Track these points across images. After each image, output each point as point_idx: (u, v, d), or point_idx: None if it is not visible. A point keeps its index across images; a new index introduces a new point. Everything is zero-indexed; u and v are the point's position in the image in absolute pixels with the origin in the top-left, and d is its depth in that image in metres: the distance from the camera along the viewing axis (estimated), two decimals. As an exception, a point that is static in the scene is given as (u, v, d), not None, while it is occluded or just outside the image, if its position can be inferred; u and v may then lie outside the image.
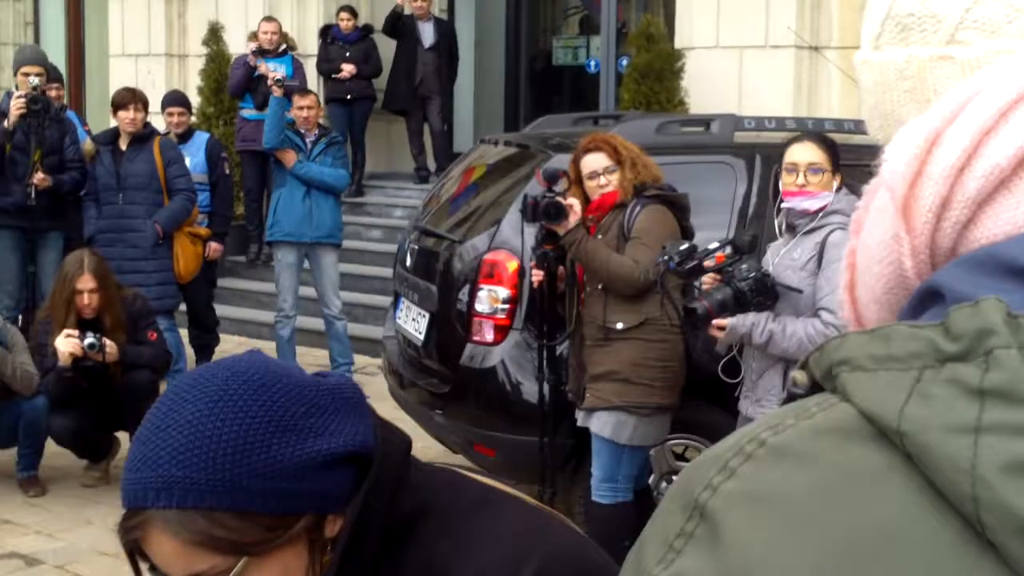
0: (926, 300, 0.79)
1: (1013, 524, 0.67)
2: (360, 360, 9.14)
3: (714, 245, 4.78)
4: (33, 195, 8.03)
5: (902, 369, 0.73)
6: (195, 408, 1.32)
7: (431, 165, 12.30)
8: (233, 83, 11.29)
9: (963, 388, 0.70)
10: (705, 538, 0.73)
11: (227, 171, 9.21)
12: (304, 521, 1.36)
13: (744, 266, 4.65)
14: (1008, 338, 0.71)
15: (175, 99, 9.34)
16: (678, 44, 10.74)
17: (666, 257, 4.78)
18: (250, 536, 1.32)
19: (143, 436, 1.34)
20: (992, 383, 0.70)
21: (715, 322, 4.63)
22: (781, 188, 4.73)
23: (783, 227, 4.82)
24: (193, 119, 9.79)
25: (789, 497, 0.72)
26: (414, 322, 6.43)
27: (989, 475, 0.68)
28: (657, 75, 10.41)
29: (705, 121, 6.66)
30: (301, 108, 8.72)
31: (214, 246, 8.78)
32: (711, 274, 4.74)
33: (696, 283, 4.89)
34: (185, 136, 9.02)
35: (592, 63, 13.01)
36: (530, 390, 5.60)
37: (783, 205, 4.74)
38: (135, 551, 1.36)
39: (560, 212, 5.13)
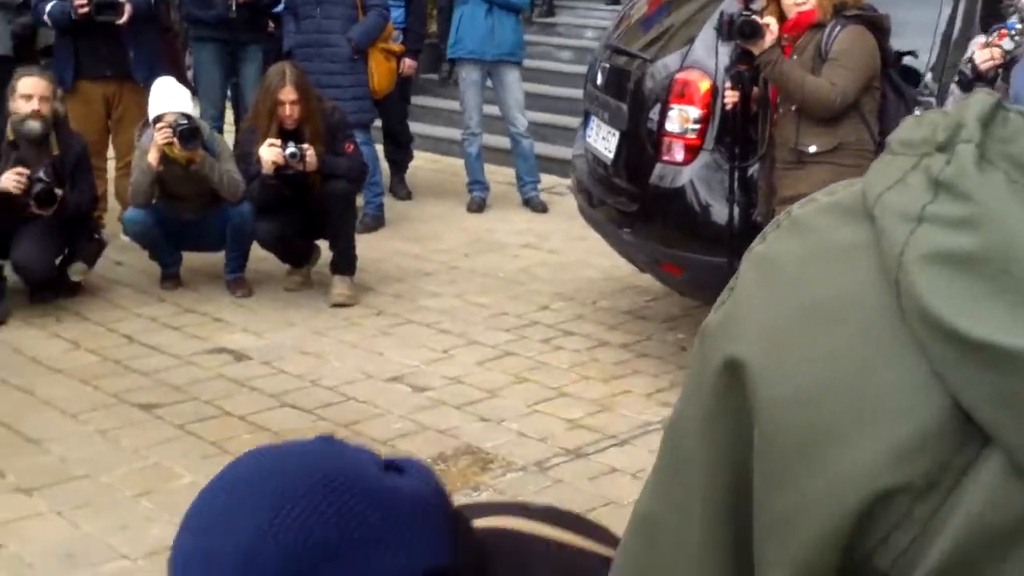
0: None
1: (918, 312, 0.72)
2: (549, 180, 9.26)
3: None
4: (234, 7, 8.25)
5: (910, 155, 0.78)
6: (253, 517, 1.14)
7: (622, -15, 12.14)
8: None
9: (928, 178, 0.75)
10: (731, 291, 0.85)
11: (420, -12, 9.27)
12: None
13: None
14: (974, 133, 0.75)
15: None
16: None
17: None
18: None
19: (193, 526, 1.18)
20: (946, 175, 0.74)
21: None
22: None
23: None
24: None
25: (781, 263, 0.82)
26: (604, 140, 6.48)
27: (910, 263, 0.73)
28: None
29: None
30: (482, -73, 8.70)
31: (408, 62, 8.91)
32: (997, 49, 4.76)
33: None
34: (380, -48, 9.09)
35: None
36: (719, 212, 5.62)
37: None
38: None
39: (756, 31, 5.09)
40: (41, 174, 6.37)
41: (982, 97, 0.77)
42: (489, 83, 8.91)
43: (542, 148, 9.32)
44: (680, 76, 5.92)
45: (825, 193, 0.84)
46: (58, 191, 6.40)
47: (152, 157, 6.64)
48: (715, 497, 0.83)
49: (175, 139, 6.58)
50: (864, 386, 0.74)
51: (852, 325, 0.76)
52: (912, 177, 0.76)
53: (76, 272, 6.77)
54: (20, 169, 6.34)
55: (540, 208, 8.89)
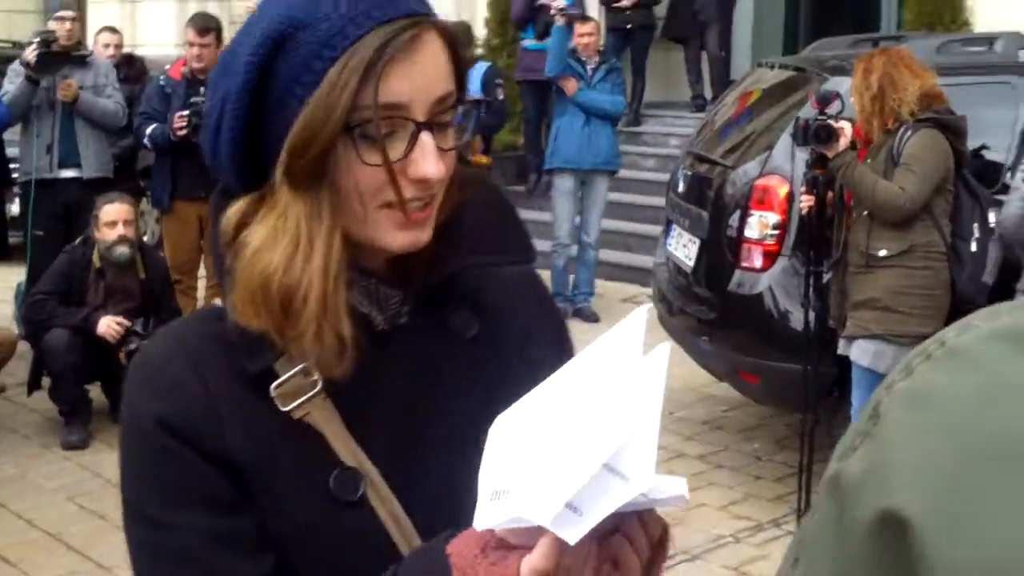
0: None
1: None
2: (630, 290, 9.20)
3: None
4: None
5: None
6: None
7: (708, 93, 12.16)
8: (515, 11, 11.38)
9: None
10: (872, 436, 0.73)
11: (500, 96, 9.31)
12: None
13: None
14: None
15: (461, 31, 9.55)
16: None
17: None
18: None
19: None
20: None
21: None
22: None
23: None
24: (479, 50, 9.95)
25: (942, 400, 0.70)
26: (684, 248, 6.44)
27: None
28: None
29: (989, 40, 6.39)
30: (582, 35, 8.83)
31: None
32: None
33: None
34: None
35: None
36: (796, 317, 5.54)
37: None
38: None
39: (830, 135, 5.06)
40: (138, 327, 6.41)
41: None
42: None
43: (625, 257, 9.28)
44: (760, 182, 5.89)
45: (985, 318, 0.73)
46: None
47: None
48: None
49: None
50: None
51: None
52: None
53: None
54: (121, 320, 6.38)
55: (592, 318, 8.75)
